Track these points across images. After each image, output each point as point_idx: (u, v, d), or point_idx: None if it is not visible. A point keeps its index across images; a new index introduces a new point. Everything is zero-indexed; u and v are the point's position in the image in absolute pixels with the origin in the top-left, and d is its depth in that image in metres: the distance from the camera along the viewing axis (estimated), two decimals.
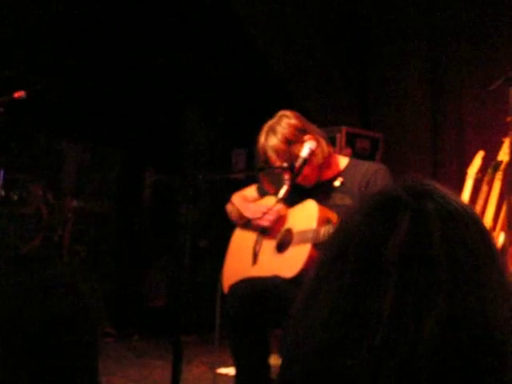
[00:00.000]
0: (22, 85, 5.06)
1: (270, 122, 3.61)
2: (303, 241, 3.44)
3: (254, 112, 7.13)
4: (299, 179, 3.53)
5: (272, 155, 3.55)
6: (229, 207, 3.88)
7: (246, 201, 3.83)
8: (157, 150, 7.16)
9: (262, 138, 3.60)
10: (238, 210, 3.82)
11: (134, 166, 7.00)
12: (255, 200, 3.87)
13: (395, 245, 0.95)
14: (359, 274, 0.95)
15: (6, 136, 5.63)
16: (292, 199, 3.63)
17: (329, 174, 3.63)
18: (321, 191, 3.60)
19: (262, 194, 3.85)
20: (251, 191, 3.90)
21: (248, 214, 3.76)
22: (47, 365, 1.18)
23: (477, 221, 1.00)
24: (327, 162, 3.61)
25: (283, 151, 3.53)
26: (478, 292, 0.94)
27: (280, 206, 3.64)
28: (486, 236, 0.99)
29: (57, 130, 6.52)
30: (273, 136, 3.55)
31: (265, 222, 3.68)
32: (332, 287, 0.97)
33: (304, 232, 3.46)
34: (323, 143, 3.59)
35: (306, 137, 3.54)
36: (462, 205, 1.01)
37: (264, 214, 3.66)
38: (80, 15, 6.64)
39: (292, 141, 3.55)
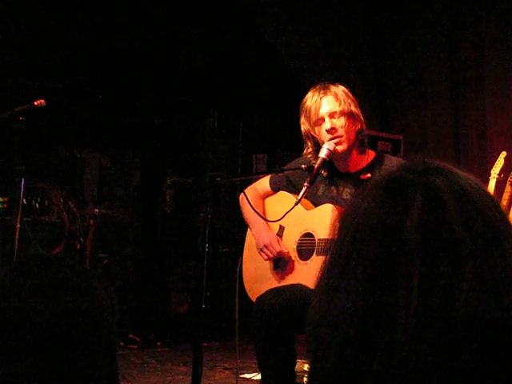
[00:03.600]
0: (42, 93, 5.08)
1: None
2: (327, 251, 3.38)
3: (275, 117, 7.18)
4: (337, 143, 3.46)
5: (328, 105, 3.48)
6: (242, 201, 3.80)
7: (259, 202, 3.77)
8: (178, 156, 7.16)
9: (311, 97, 3.52)
10: (246, 219, 3.79)
11: (155, 173, 7.00)
12: (267, 194, 3.81)
13: (413, 224, 0.93)
14: (382, 261, 0.93)
15: (27, 145, 5.66)
16: (318, 187, 3.59)
17: (359, 164, 3.58)
18: (348, 183, 3.56)
19: (276, 188, 3.80)
20: (264, 184, 3.83)
21: (254, 235, 3.72)
22: (64, 363, 1.18)
23: (486, 190, 0.99)
24: (362, 146, 3.57)
25: (344, 97, 3.48)
26: (502, 257, 0.93)
27: (283, 248, 3.62)
28: (498, 205, 0.98)
29: (77, 137, 6.55)
30: (332, 87, 3.52)
31: (263, 256, 3.65)
32: (354, 277, 0.95)
33: (328, 241, 3.42)
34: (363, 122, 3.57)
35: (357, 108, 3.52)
36: (468, 176, 1.00)
37: (266, 247, 3.62)
38: (99, 23, 6.67)
39: (350, 96, 3.53)
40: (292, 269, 3.64)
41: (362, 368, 0.91)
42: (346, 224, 1.00)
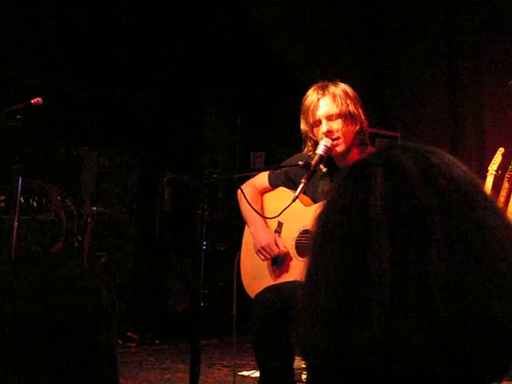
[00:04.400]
0: (39, 91, 5.08)
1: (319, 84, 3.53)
2: None
3: (273, 115, 7.17)
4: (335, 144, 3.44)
5: (325, 107, 3.45)
6: (239, 197, 3.76)
7: (257, 198, 3.76)
8: (176, 154, 7.15)
9: (310, 97, 3.49)
10: (244, 216, 3.77)
11: (153, 171, 6.99)
12: (266, 190, 3.80)
13: (377, 199, 0.94)
14: (352, 242, 0.94)
15: (24, 143, 5.65)
16: (318, 183, 3.58)
17: None
18: None
19: (275, 184, 3.78)
20: (263, 180, 3.80)
21: (251, 234, 3.71)
22: (64, 363, 1.18)
23: (456, 162, 0.99)
24: (363, 144, 3.55)
25: (343, 98, 3.45)
26: (474, 223, 0.93)
27: (281, 247, 3.60)
28: (469, 174, 0.99)
29: (75, 136, 6.54)
30: (331, 87, 3.48)
31: (261, 257, 3.64)
32: (328, 265, 0.95)
33: None
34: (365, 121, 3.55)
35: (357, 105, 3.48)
36: (435, 150, 1.00)
37: (263, 248, 3.61)
38: (94, 22, 6.66)
39: (350, 95, 3.49)
40: (290, 266, 3.63)
41: (346, 345, 0.92)
42: (319, 217, 1.01)
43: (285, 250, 3.62)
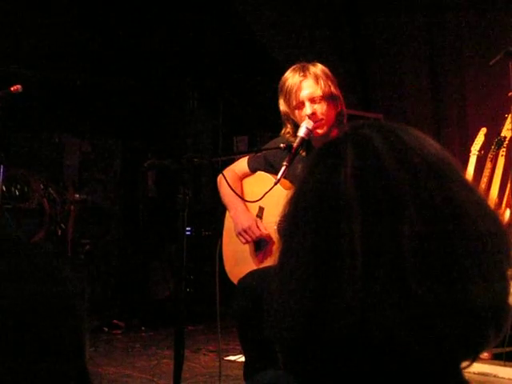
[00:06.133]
0: (18, 79, 5.04)
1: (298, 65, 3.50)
2: None
3: (255, 99, 7.15)
4: (317, 125, 3.42)
5: (308, 89, 3.42)
6: (220, 183, 3.75)
7: (237, 183, 3.74)
8: (159, 139, 7.12)
9: (291, 79, 3.46)
10: (224, 201, 3.76)
11: (135, 157, 6.96)
12: (245, 175, 3.79)
13: (347, 178, 0.93)
14: (323, 221, 0.93)
15: (5, 131, 5.61)
16: (297, 167, 3.56)
17: None
18: None
19: (254, 169, 3.76)
20: (242, 165, 3.77)
21: (232, 218, 3.69)
22: (27, 352, 1.14)
23: (427, 137, 0.99)
24: (342, 125, 3.53)
25: (324, 79, 3.43)
26: (444, 195, 0.93)
27: (262, 230, 3.57)
28: (441, 150, 0.98)
29: (56, 123, 6.50)
30: (311, 67, 3.46)
31: (242, 240, 3.62)
32: (300, 241, 0.94)
33: None
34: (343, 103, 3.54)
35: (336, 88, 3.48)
36: (405, 127, 0.99)
37: (245, 231, 3.59)
38: (77, 8, 6.62)
39: (330, 76, 3.48)
40: (273, 250, 3.61)
41: (319, 326, 0.91)
42: (290, 200, 1.00)
43: (266, 233, 3.60)
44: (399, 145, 0.95)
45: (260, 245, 3.67)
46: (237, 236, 3.64)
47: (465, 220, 0.92)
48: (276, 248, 3.55)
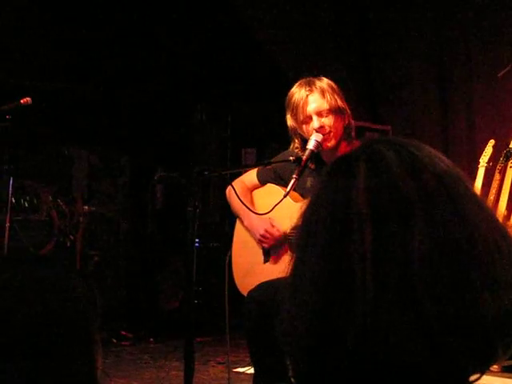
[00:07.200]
0: (28, 91, 5.07)
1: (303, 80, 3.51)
2: None
3: (264, 112, 7.14)
4: (326, 139, 3.43)
5: (315, 103, 3.43)
6: (229, 194, 3.76)
7: (247, 194, 3.75)
8: (167, 151, 7.13)
9: (297, 94, 3.47)
10: (236, 211, 3.76)
11: (144, 169, 6.97)
12: (255, 187, 3.80)
13: (359, 194, 0.94)
14: (334, 235, 0.95)
15: (15, 143, 5.63)
16: (307, 180, 3.57)
17: None
18: None
19: (264, 181, 3.77)
20: (251, 177, 3.78)
21: (247, 226, 3.69)
22: (38, 366, 1.15)
23: (438, 155, 1.00)
24: (350, 138, 3.55)
25: (331, 93, 3.44)
26: (454, 211, 0.94)
27: (278, 228, 3.59)
28: (452, 166, 1.00)
29: (65, 134, 6.51)
30: (317, 82, 3.47)
31: (264, 245, 3.63)
32: (312, 254, 0.96)
33: None
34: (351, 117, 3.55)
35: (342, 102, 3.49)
36: (417, 143, 1.01)
37: (263, 236, 3.60)
38: (83, 19, 6.63)
39: (336, 90, 3.48)
40: (282, 261, 3.61)
41: (330, 338, 0.92)
42: (303, 213, 1.02)
43: (281, 231, 3.60)
44: (411, 161, 0.96)
45: (269, 256, 3.67)
46: (257, 243, 3.64)
47: (474, 235, 0.93)
48: (286, 259, 3.56)
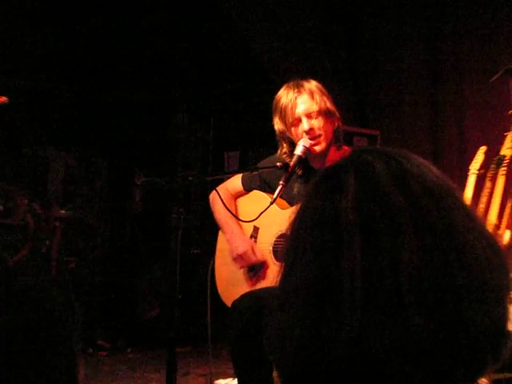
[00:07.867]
0: (4, 91, 4.93)
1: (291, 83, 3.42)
2: None
3: (247, 114, 7.05)
4: (314, 143, 3.34)
5: (304, 104, 3.34)
6: (212, 201, 3.67)
7: (231, 202, 3.64)
8: (147, 154, 7.01)
9: (285, 96, 3.38)
10: (218, 221, 3.64)
11: (122, 172, 6.85)
12: (239, 194, 3.68)
13: (348, 202, 0.95)
14: (322, 247, 0.95)
15: None
16: (293, 186, 3.46)
17: (334, 161, 3.44)
18: None
19: (249, 187, 3.66)
20: (235, 183, 3.69)
21: (228, 241, 3.58)
22: (17, 375, 1.15)
23: (428, 165, 1.01)
24: (338, 142, 3.45)
25: (319, 95, 3.36)
26: (443, 222, 0.94)
27: (259, 255, 3.50)
28: (441, 176, 1.00)
29: (41, 137, 6.38)
30: (305, 84, 3.38)
31: (237, 265, 3.55)
32: (301, 266, 0.97)
33: None
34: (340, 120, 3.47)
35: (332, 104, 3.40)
36: (406, 153, 1.01)
37: (240, 256, 3.50)
38: (60, 17, 6.53)
39: (324, 92, 3.40)
40: (267, 272, 3.53)
41: (318, 350, 0.93)
42: (292, 224, 1.02)
43: (262, 258, 3.50)
44: (400, 172, 0.97)
45: (254, 266, 3.56)
46: (232, 260, 3.53)
47: (464, 247, 0.94)
48: (270, 271, 3.45)
